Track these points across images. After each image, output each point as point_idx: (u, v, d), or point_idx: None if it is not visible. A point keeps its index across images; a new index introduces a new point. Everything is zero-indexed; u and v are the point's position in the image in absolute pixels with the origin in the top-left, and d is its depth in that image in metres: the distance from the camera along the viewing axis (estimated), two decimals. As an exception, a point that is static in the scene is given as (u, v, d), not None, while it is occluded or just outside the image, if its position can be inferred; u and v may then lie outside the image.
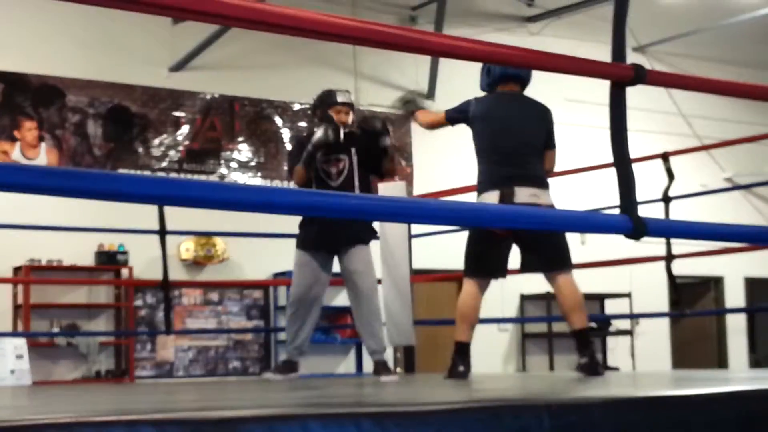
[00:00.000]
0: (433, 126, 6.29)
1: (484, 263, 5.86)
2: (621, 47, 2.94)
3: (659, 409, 2.61)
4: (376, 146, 6.45)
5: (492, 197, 5.73)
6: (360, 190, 6.49)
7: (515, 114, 5.92)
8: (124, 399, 4.02)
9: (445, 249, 12.06)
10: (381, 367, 6.39)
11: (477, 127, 5.92)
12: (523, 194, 5.65)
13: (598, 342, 14.87)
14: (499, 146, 5.84)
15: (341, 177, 6.45)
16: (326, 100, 6.56)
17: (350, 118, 6.54)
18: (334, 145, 6.39)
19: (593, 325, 5.34)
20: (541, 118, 5.98)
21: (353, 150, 6.47)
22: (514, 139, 5.84)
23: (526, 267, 5.89)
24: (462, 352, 5.84)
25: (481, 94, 6.08)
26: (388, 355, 7.45)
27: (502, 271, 5.91)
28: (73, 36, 11.80)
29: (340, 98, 6.52)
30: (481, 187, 5.87)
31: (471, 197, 10.29)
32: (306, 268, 6.59)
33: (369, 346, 6.51)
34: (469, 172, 11.88)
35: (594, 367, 5.46)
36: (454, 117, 6.04)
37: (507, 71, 5.85)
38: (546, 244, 5.74)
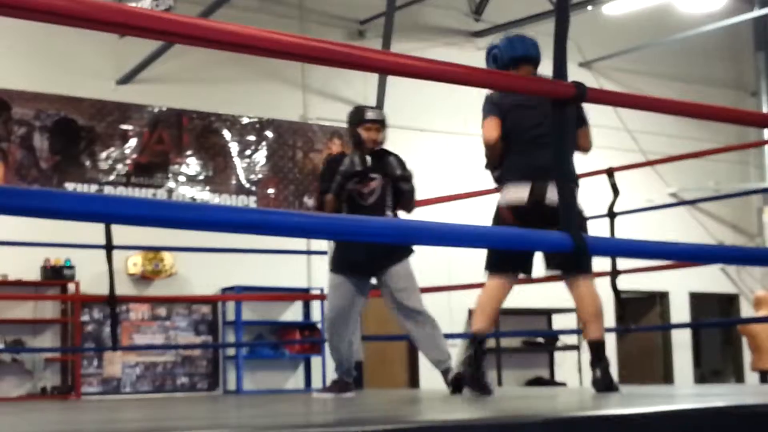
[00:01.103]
0: (496, 140, 5.58)
1: (504, 258, 5.58)
2: (562, 65, 2.96)
3: (602, 428, 2.63)
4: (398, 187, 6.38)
5: (521, 191, 5.39)
6: (393, 209, 6.38)
7: (534, 99, 5.28)
8: (69, 418, 3.98)
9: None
10: (448, 376, 6.17)
11: (502, 121, 5.52)
12: (553, 193, 5.15)
13: (546, 357, 14.95)
14: (523, 133, 5.46)
15: (373, 197, 6.32)
16: (355, 117, 6.40)
17: (381, 136, 6.37)
18: (363, 170, 6.29)
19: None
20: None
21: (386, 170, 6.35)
22: (538, 126, 5.38)
23: (549, 263, 5.57)
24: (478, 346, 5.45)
25: None
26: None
27: (524, 266, 5.60)
28: (19, 48, 11.70)
29: (368, 115, 6.36)
30: (505, 178, 5.51)
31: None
32: (339, 291, 6.37)
33: (433, 357, 6.27)
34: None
35: (608, 382, 5.25)
36: (495, 114, 5.53)
37: (515, 54, 5.53)
38: None
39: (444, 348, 6.29)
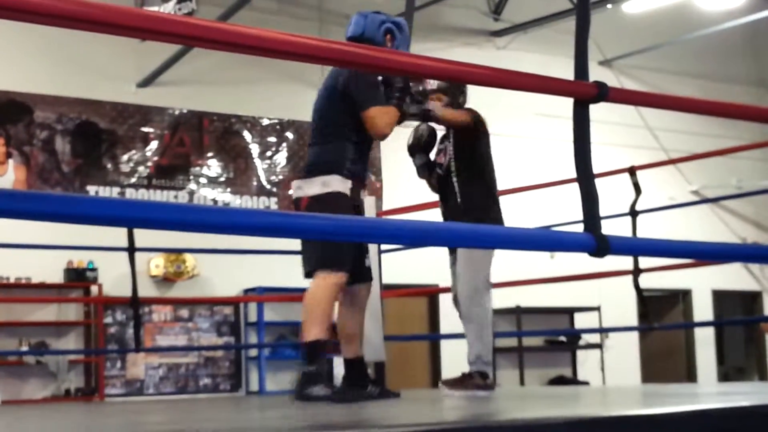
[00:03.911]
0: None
1: (347, 254, 5.19)
2: (584, 65, 2.96)
3: (625, 428, 2.62)
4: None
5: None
6: (459, 175, 5.83)
7: (324, 87, 5.53)
8: (92, 421, 3.99)
9: (415, 264, 12.09)
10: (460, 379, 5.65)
11: None
12: (294, 188, 5.33)
13: (568, 356, 14.91)
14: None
15: (444, 165, 5.90)
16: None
17: (441, 104, 5.83)
18: (431, 141, 5.88)
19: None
20: (328, 85, 5.42)
21: (451, 135, 5.90)
22: (313, 120, 5.56)
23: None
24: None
25: None
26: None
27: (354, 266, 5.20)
28: (40, 52, 11.75)
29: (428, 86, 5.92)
30: None
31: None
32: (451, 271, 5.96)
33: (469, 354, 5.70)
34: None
35: (301, 393, 4.77)
36: None
37: (347, 36, 5.65)
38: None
39: (474, 349, 5.64)
